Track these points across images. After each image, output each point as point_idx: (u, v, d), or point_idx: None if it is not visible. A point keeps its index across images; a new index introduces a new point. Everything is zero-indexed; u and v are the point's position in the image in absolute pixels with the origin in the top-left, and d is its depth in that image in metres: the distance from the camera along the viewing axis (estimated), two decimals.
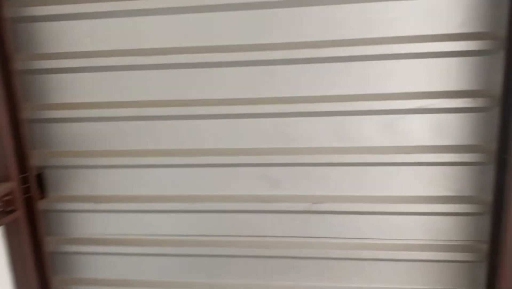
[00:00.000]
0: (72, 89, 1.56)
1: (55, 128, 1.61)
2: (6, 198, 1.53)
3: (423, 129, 1.47)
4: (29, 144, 1.60)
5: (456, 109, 1.43)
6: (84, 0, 1.46)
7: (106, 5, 1.46)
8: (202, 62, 1.49)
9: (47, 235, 1.71)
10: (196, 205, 1.62)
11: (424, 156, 1.48)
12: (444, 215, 1.54)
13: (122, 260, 1.72)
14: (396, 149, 1.49)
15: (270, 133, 1.54)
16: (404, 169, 1.52)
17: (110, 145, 1.60)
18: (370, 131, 1.48)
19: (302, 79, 1.48)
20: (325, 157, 1.52)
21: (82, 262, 1.75)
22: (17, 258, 1.63)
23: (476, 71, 1.38)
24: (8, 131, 1.53)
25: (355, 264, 1.62)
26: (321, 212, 1.59)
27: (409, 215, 1.56)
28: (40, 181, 1.66)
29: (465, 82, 1.40)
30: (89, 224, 1.70)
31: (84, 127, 1.60)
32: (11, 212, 1.54)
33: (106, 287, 1.76)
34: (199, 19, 1.46)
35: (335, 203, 1.56)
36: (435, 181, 1.51)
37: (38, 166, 1.64)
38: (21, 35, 1.53)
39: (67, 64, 1.53)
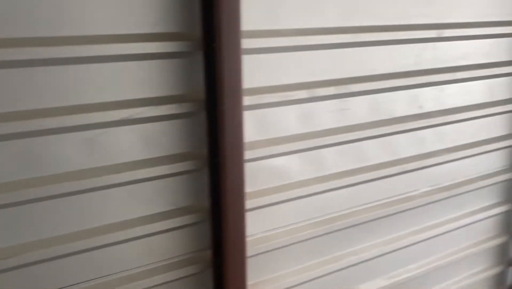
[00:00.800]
0: None
1: None
2: None
3: (130, 143, 1.29)
4: None
5: (162, 117, 1.31)
6: None
7: None
8: None
9: None
10: None
11: (135, 172, 1.31)
12: (165, 232, 1.41)
13: None
14: (103, 170, 1.26)
15: None
16: (116, 191, 1.30)
17: None
18: (69, 153, 1.20)
19: None
20: (13, 194, 1.14)
21: None
22: None
23: (177, 75, 1.29)
24: None
25: None
26: (17, 267, 1.20)
27: (128, 242, 1.36)
28: None
29: (168, 87, 1.29)
30: None
31: None
32: None
33: None
34: None
35: (33, 251, 1.20)
36: (151, 197, 1.36)
37: None
38: None
39: None
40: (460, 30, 1.75)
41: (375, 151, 1.73)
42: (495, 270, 2.28)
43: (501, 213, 2.18)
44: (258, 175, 1.51)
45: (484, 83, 1.91)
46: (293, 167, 1.57)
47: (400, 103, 1.72)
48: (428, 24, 1.69)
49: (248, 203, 1.47)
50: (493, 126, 2.01)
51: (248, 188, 1.47)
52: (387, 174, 1.77)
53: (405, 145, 1.79)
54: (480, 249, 2.17)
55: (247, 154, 1.42)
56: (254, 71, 1.39)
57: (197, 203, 1.43)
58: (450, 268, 2.12)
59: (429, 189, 1.93)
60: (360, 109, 1.64)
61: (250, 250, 1.52)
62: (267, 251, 1.60)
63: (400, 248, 1.91)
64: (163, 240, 1.42)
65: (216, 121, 1.31)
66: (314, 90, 1.51)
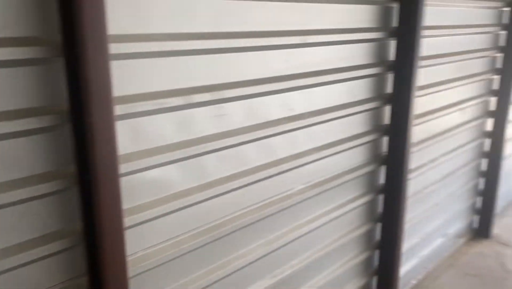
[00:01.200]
0: None
1: None
2: None
3: None
4: None
5: (18, 133, 1.15)
6: None
7: None
8: None
9: None
10: None
11: None
12: (33, 262, 1.24)
13: None
14: None
15: None
16: None
17: None
18: None
19: None
20: None
21: None
22: None
23: (35, 85, 1.14)
24: None
25: None
26: None
27: None
28: None
29: (25, 99, 1.13)
30: None
31: None
32: None
33: None
34: None
35: None
36: (13, 225, 1.19)
37: None
38: None
39: None
40: (322, 37, 1.87)
41: (253, 154, 1.75)
42: (364, 255, 2.50)
43: (366, 202, 2.40)
44: (136, 189, 1.42)
45: (346, 85, 2.07)
46: (173, 177, 1.51)
47: (273, 107, 1.77)
48: (293, 31, 1.77)
49: (127, 220, 1.37)
50: (355, 124, 2.19)
51: (126, 204, 1.37)
52: (265, 175, 1.81)
53: (280, 146, 1.85)
54: (350, 237, 2.36)
55: (122, 167, 1.32)
56: (125, 78, 1.30)
57: (68, 226, 1.29)
58: (327, 258, 2.26)
59: (303, 186, 2.02)
60: (236, 114, 1.65)
61: (131, 270, 1.41)
62: (151, 268, 1.51)
63: (282, 246, 1.97)
64: (31, 272, 1.24)
65: (84, 134, 1.18)
66: (189, 96, 1.47)
